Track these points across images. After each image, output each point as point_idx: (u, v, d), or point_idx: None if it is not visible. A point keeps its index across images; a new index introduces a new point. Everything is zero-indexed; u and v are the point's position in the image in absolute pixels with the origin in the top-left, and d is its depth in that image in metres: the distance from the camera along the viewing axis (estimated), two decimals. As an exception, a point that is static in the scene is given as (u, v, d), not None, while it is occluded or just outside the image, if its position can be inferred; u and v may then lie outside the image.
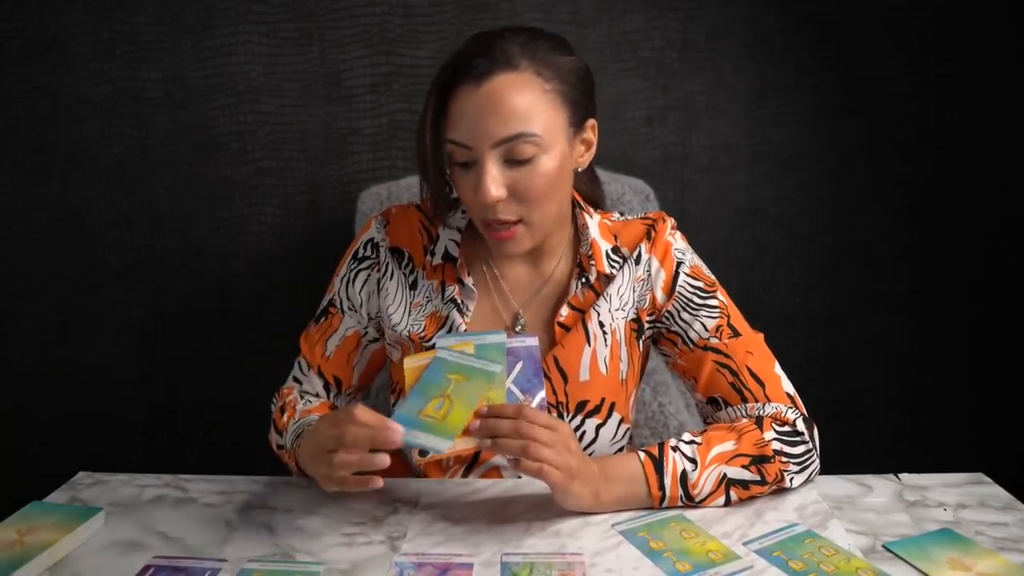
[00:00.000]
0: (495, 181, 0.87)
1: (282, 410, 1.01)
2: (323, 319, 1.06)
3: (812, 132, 1.70)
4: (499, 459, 0.98)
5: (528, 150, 0.87)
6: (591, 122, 0.95)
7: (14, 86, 1.66)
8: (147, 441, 1.82)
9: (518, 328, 1.00)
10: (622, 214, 1.07)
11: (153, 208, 1.71)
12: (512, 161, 0.88)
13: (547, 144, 0.88)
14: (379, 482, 0.79)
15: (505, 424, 0.81)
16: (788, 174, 1.72)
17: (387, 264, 1.02)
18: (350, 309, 1.04)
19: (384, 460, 0.78)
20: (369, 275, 1.03)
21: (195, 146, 1.68)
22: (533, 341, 0.91)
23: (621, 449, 1.04)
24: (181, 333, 1.77)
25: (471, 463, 0.99)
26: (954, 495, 0.93)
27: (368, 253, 1.04)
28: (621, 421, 1.02)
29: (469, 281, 1.00)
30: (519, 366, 0.89)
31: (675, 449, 0.89)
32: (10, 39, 1.64)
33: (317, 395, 1.06)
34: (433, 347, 0.92)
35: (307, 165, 1.69)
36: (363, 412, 0.80)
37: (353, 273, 1.04)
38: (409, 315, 1.01)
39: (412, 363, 0.90)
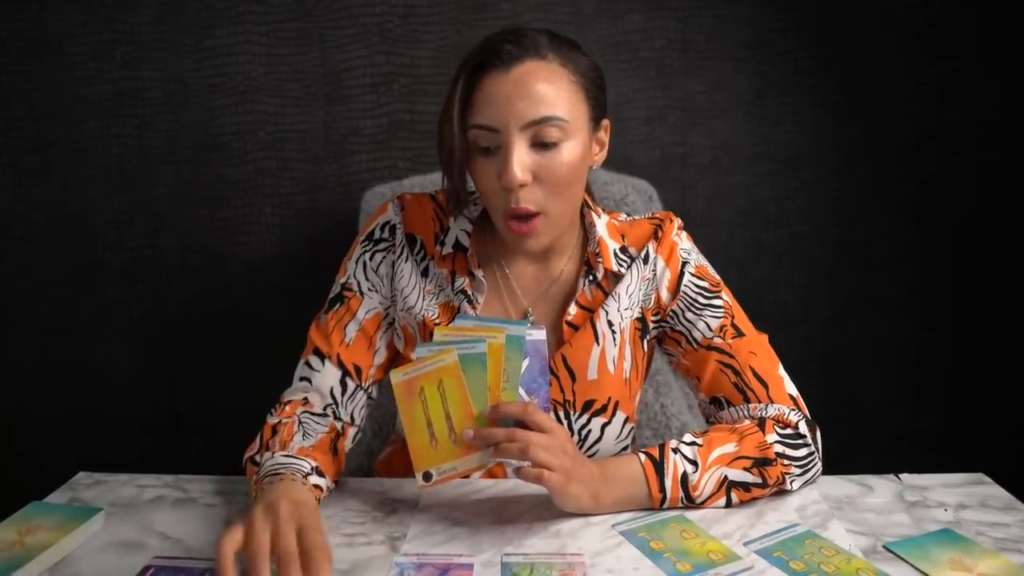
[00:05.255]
0: (521, 164, 0.87)
1: (274, 430, 0.92)
2: (338, 305, 1.01)
3: (812, 132, 1.70)
4: None
5: (554, 134, 0.88)
6: (606, 122, 0.96)
7: (14, 86, 1.66)
8: (147, 441, 1.82)
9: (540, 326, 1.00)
10: (629, 215, 1.07)
11: (153, 208, 1.71)
12: (538, 145, 0.88)
13: (572, 131, 0.89)
14: None
15: (500, 432, 0.81)
16: (788, 174, 1.72)
17: (402, 247, 1.01)
18: (370, 289, 1.01)
19: None
20: (385, 256, 1.02)
21: (195, 146, 1.68)
22: (540, 335, 0.90)
23: (626, 448, 1.04)
24: (181, 333, 1.77)
25: None
26: (954, 495, 0.93)
27: (385, 235, 1.02)
28: (626, 420, 1.02)
29: (479, 273, 1.00)
30: (525, 364, 0.88)
31: (676, 451, 0.89)
32: (10, 39, 1.64)
33: (324, 412, 0.97)
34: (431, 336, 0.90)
35: (307, 165, 1.69)
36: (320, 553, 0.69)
37: (369, 254, 1.02)
38: (423, 299, 1.00)
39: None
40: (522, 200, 0.89)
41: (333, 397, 0.98)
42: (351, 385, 0.99)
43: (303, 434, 0.92)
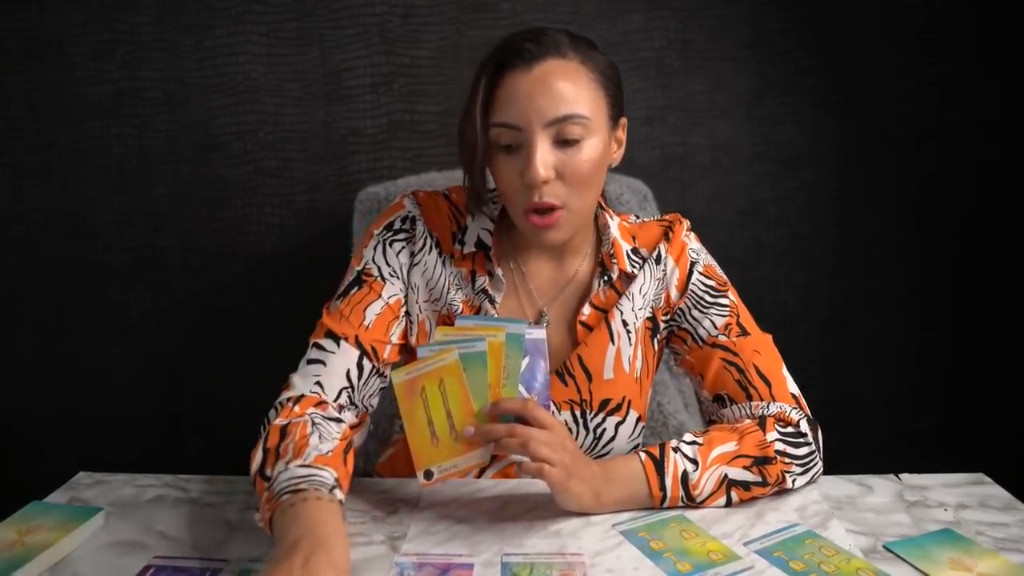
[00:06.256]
0: (544, 161, 0.87)
1: (282, 432, 0.84)
2: (356, 289, 0.97)
3: (812, 132, 1.70)
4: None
5: (576, 131, 0.88)
6: (623, 120, 0.97)
7: (14, 86, 1.66)
8: (147, 441, 1.82)
9: (543, 325, 1.00)
10: (638, 216, 1.08)
11: (153, 208, 1.71)
12: (560, 142, 0.88)
13: (593, 128, 0.89)
14: None
15: (500, 427, 0.81)
16: (788, 174, 1.72)
17: (423, 239, 1.00)
18: (391, 275, 0.98)
19: None
20: (404, 247, 1.00)
21: (195, 146, 1.68)
22: (540, 333, 0.90)
23: (638, 446, 1.04)
24: (181, 333, 1.77)
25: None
26: (954, 495, 0.93)
27: (405, 226, 1.00)
28: (638, 419, 1.02)
29: (499, 272, 0.99)
30: (525, 362, 0.88)
31: (676, 450, 0.89)
32: (10, 39, 1.64)
33: (337, 417, 0.91)
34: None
35: (307, 165, 1.69)
36: None
37: (388, 242, 1.00)
38: (449, 291, 0.99)
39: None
40: (545, 195, 0.89)
41: (349, 380, 0.93)
42: (368, 367, 0.94)
43: (319, 436, 0.84)
